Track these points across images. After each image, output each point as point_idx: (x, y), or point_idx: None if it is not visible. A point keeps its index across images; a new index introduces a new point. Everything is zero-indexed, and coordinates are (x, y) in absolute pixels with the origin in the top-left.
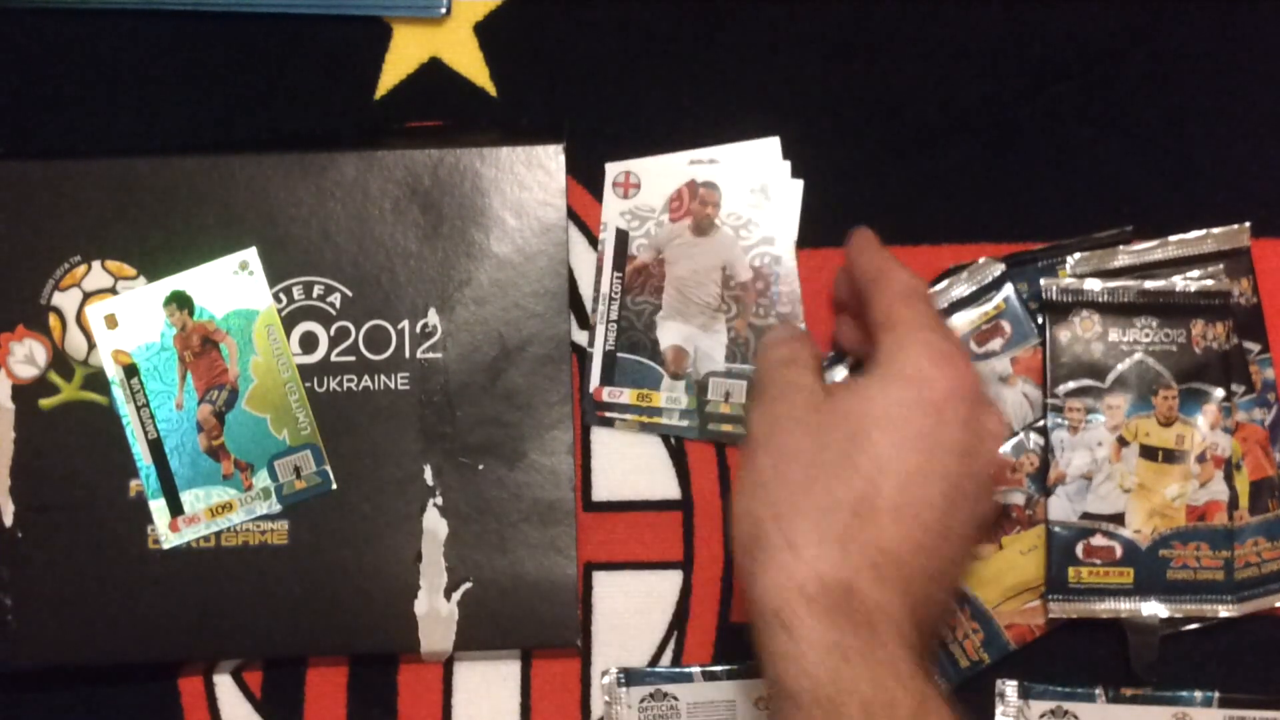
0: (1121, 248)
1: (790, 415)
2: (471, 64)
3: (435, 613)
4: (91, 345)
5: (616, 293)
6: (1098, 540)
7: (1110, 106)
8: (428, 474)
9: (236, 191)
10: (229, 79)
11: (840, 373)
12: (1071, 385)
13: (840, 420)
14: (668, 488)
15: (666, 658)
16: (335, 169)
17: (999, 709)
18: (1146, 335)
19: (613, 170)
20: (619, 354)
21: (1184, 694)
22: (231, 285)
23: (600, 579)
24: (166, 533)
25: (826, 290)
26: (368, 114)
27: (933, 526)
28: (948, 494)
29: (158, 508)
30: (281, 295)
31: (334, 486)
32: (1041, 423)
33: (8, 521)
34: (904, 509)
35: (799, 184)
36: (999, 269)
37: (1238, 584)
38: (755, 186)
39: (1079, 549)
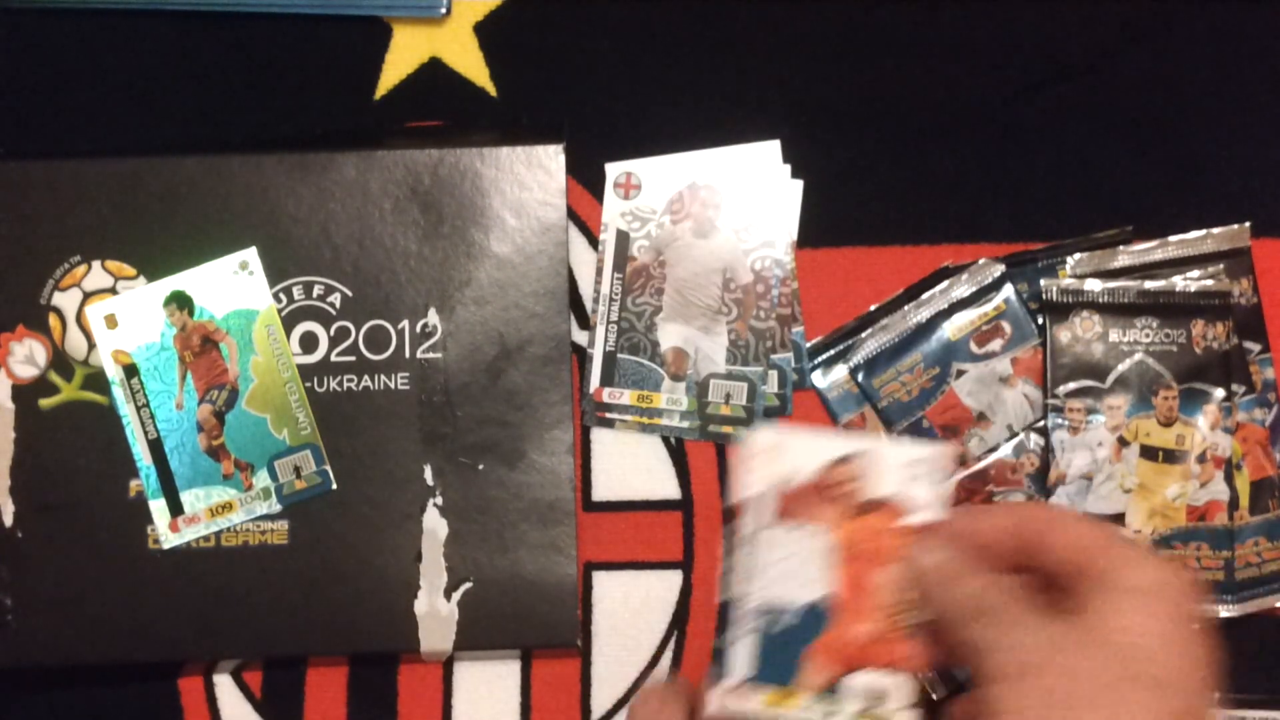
0: (1121, 248)
1: None
2: (471, 64)
3: (435, 612)
4: (91, 345)
5: (617, 294)
6: None
7: (1110, 106)
8: (428, 474)
9: (236, 191)
10: (229, 79)
11: (840, 371)
12: (1072, 386)
13: None
14: (668, 488)
15: (666, 658)
16: (335, 169)
17: None
18: (1147, 335)
19: (613, 171)
20: (619, 355)
21: None
22: (231, 285)
23: (600, 579)
24: (166, 533)
25: (826, 291)
26: (368, 114)
27: None
28: None
29: (158, 508)
30: (281, 295)
31: (334, 486)
32: (1042, 423)
33: (8, 521)
34: None
35: (799, 185)
36: (999, 269)
37: (1238, 584)
38: (756, 190)
39: None
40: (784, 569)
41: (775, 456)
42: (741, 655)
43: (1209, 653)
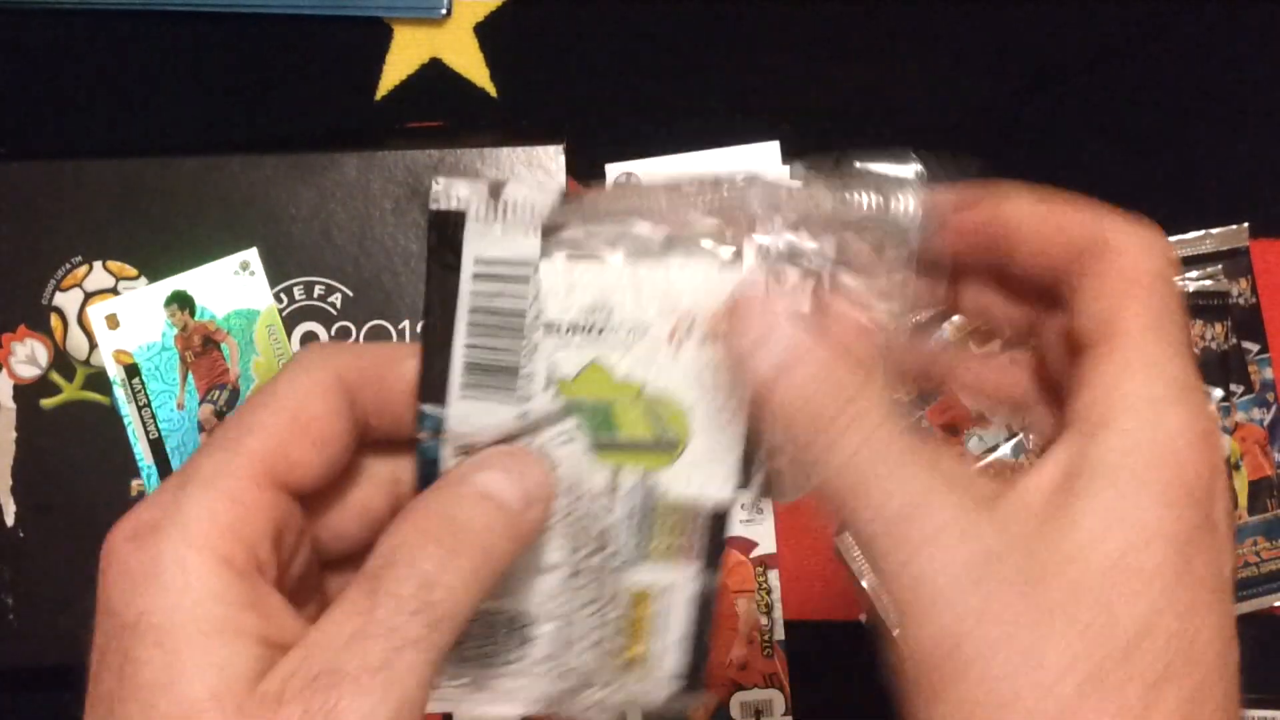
0: None
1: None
2: (472, 64)
3: None
4: (93, 345)
5: None
6: None
7: (1110, 106)
8: None
9: (237, 192)
10: (230, 79)
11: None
12: None
13: (1042, 568)
14: None
15: None
16: (336, 169)
17: None
18: None
19: (613, 172)
20: None
21: None
22: (232, 285)
23: None
24: None
25: None
26: (368, 114)
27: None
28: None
29: None
30: (282, 295)
31: None
32: None
33: (9, 521)
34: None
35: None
36: None
37: (1237, 584)
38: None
39: None
40: None
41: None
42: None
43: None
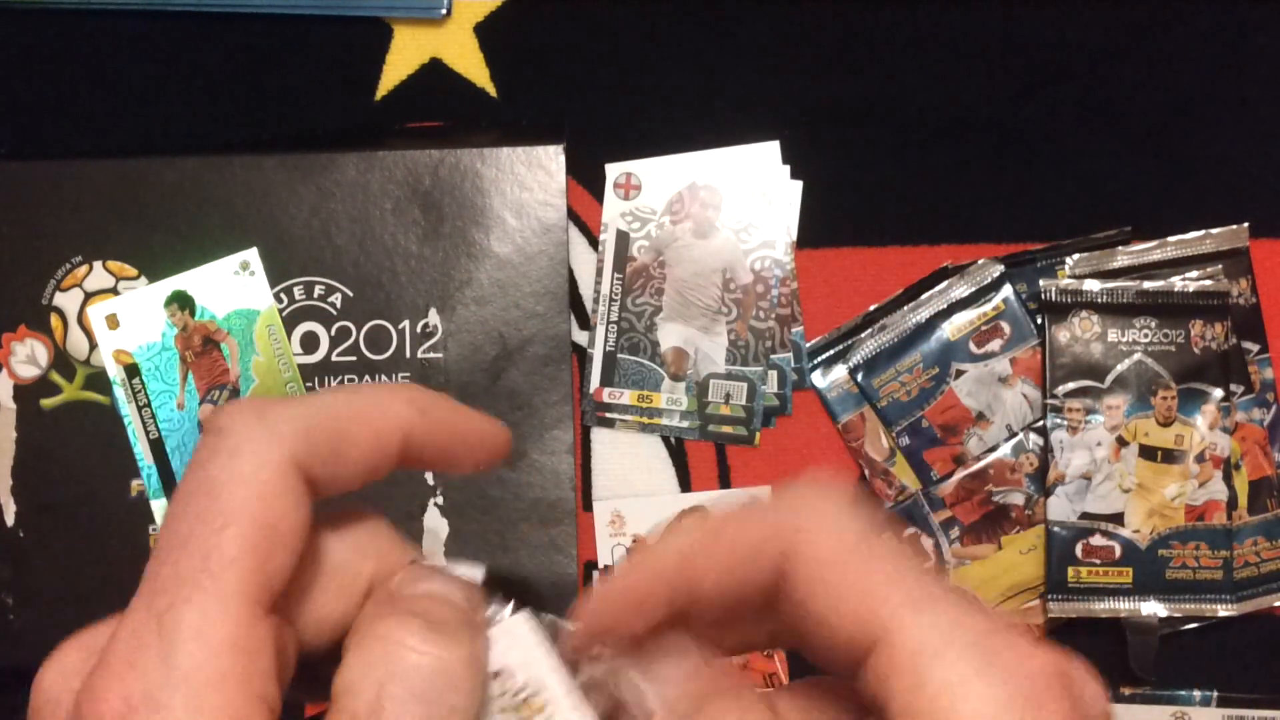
0: (1120, 248)
1: None
2: (472, 64)
3: None
4: (93, 345)
5: (617, 294)
6: (1097, 540)
7: (1110, 106)
8: (428, 474)
9: (237, 192)
10: (230, 79)
11: (839, 371)
12: (1071, 386)
13: None
14: (668, 488)
15: None
16: (336, 169)
17: None
18: (1145, 336)
19: (613, 171)
20: (619, 355)
21: (1183, 693)
22: (232, 285)
23: (600, 579)
24: None
25: (826, 291)
26: (368, 114)
27: None
28: None
29: (159, 507)
30: (282, 295)
31: None
32: (1041, 423)
33: (9, 521)
34: None
35: (798, 185)
36: (998, 270)
37: (1236, 584)
38: (756, 190)
39: (1078, 549)
40: None
41: None
42: None
43: None
